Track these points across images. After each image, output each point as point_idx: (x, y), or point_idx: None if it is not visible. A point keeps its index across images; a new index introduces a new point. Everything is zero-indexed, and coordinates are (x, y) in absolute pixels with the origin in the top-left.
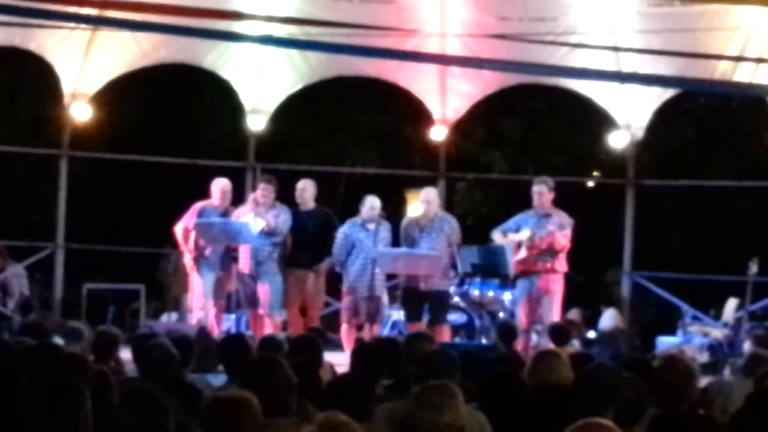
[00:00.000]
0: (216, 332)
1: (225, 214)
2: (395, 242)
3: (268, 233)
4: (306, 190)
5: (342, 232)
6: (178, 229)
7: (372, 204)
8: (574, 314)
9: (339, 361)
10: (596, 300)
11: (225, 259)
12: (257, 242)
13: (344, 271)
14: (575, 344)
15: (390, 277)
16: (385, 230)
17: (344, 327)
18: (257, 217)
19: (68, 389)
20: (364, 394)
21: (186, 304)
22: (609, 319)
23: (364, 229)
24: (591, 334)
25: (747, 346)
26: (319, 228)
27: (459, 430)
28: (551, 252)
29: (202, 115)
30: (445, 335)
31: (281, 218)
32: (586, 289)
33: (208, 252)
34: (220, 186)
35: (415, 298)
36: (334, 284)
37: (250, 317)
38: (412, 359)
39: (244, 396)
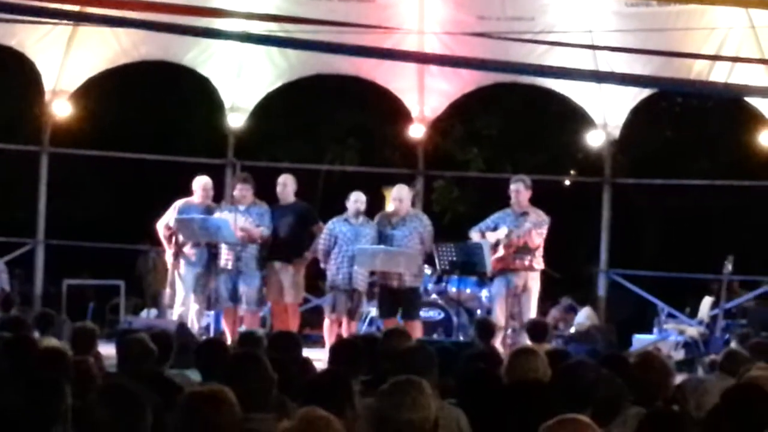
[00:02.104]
0: (196, 328)
1: (206, 211)
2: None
3: (250, 239)
4: (287, 184)
5: (326, 227)
6: (160, 225)
7: (356, 198)
8: (557, 311)
9: (319, 357)
10: (572, 297)
11: (206, 256)
12: (236, 240)
13: (327, 266)
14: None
15: (370, 273)
16: (369, 228)
17: (327, 322)
18: (242, 227)
19: (47, 383)
20: (342, 389)
21: (165, 300)
22: (584, 317)
23: (347, 223)
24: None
25: (733, 344)
26: (298, 222)
27: (432, 425)
28: (527, 250)
29: (182, 112)
30: (417, 331)
31: (265, 219)
32: (564, 287)
33: (188, 248)
34: (201, 183)
35: (388, 294)
36: (314, 281)
37: (226, 313)
38: (385, 355)
39: (220, 390)
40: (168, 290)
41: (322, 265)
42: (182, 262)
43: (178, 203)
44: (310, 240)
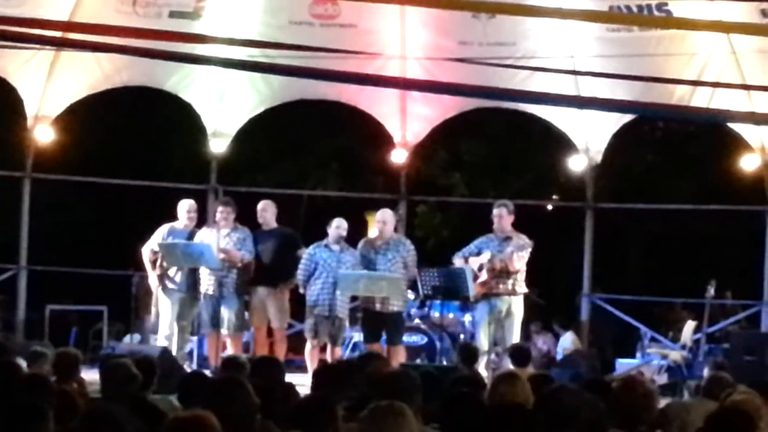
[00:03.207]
0: (180, 354)
1: (190, 236)
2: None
3: (231, 264)
4: (266, 210)
5: (307, 253)
6: (145, 250)
7: (338, 224)
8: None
9: (302, 382)
10: (556, 322)
11: (190, 280)
12: (218, 265)
13: (306, 291)
14: None
15: (353, 298)
16: (350, 255)
17: (308, 347)
18: (223, 249)
19: (30, 409)
20: (326, 415)
21: (148, 325)
22: (569, 342)
23: (328, 250)
24: None
25: (706, 372)
26: (281, 247)
27: None
28: (507, 274)
29: (165, 137)
30: (400, 356)
31: (247, 243)
32: (546, 311)
33: (173, 272)
34: (185, 207)
35: (372, 319)
36: (298, 306)
37: (209, 338)
38: (369, 380)
39: (204, 415)
40: (152, 316)
41: (301, 290)
42: (168, 286)
43: (163, 228)
44: (294, 265)
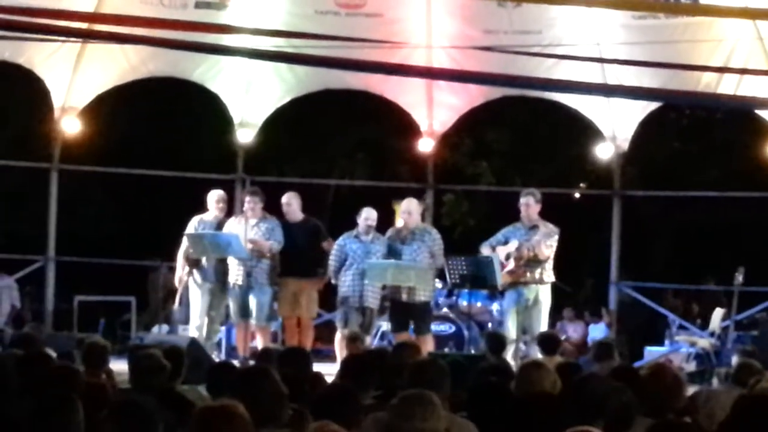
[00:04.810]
0: (209, 343)
1: (219, 226)
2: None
3: (260, 254)
4: (291, 203)
5: (337, 243)
6: (183, 245)
7: (367, 215)
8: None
9: (330, 371)
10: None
11: (221, 270)
12: (246, 255)
13: (338, 282)
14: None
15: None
16: (379, 244)
17: (338, 336)
18: (251, 239)
19: (59, 400)
20: (349, 403)
21: (175, 316)
22: (600, 330)
23: (358, 240)
24: None
25: (734, 360)
26: (307, 239)
27: None
28: (537, 262)
29: (191, 128)
30: (428, 345)
31: (276, 233)
32: (574, 299)
33: (205, 262)
34: (215, 197)
35: (399, 309)
36: (326, 296)
37: (237, 329)
38: (397, 369)
39: (232, 405)
40: (177, 306)
41: (333, 281)
42: (199, 276)
43: (194, 220)
44: (321, 256)
